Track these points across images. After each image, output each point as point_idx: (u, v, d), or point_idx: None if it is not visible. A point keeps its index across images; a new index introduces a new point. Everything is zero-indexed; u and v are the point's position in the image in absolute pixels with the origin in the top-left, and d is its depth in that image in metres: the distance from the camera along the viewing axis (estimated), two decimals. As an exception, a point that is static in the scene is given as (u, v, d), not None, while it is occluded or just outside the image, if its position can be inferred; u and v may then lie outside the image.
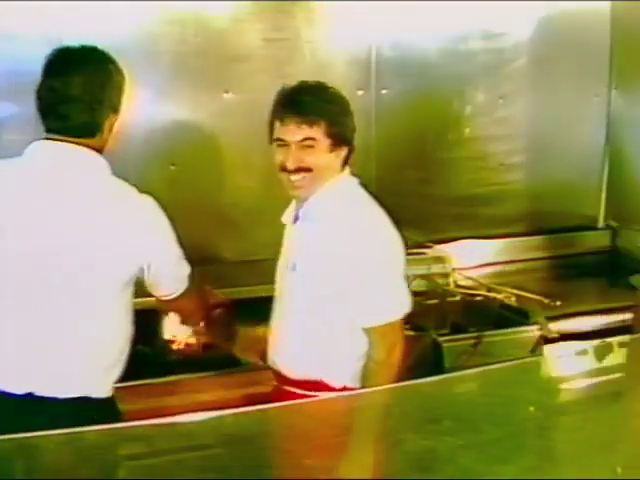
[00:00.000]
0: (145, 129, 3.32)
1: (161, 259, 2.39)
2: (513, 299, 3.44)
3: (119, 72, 2.38)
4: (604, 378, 2.28)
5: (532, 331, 3.29)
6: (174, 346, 3.13)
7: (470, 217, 4.01)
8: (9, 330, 2.30)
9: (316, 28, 3.58)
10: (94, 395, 2.32)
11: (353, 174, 2.55)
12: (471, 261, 3.84)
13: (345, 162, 2.52)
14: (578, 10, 4.06)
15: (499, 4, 3.89)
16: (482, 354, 3.13)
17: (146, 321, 2.88)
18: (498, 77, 3.98)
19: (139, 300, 2.54)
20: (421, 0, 3.73)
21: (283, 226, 2.64)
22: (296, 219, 2.55)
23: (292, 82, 2.52)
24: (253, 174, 3.55)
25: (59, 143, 2.30)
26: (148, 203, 2.35)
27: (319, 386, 2.47)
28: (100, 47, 2.37)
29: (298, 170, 2.44)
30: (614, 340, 2.56)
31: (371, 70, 3.71)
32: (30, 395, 2.27)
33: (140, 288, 2.44)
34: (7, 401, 2.27)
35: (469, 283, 3.61)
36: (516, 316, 3.38)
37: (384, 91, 3.75)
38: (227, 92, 3.49)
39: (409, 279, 2.68)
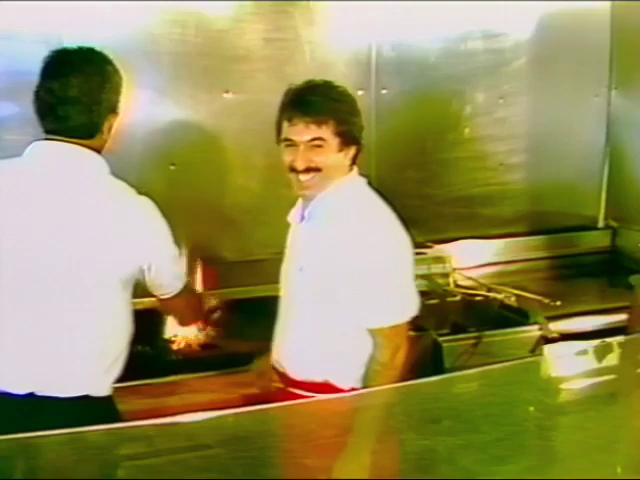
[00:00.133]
0: (145, 129, 3.32)
1: (161, 258, 2.40)
2: (513, 299, 3.44)
3: (117, 73, 2.38)
4: (604, 378, 2.28)
5: (532, 331, 3.29)
6: (174, 346, 3.14)
7: (470, 217, 4.01)
8: (9, 330, 2.31)
9: (316, 28, 3.58)
10: (94, 394, 2.33)
11: (361, 174, 2.55)
12: (471, 261, 3.84)
13: (353, 161, 2.51)
14: (578, 10, 4.06)
15: (499, 4, 3.89)
16: (482, 354, 3.13)
17: (146, 321, 2.88)
18: (498, 77, 3.98)
19: (139, 300, 2.54)
20: (421, 0, 3.73)
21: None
22: (302, 218, 2.54)
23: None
24: (253, 174, 3.55)
25: (59, 143, 2.30)
26: (146, 203, 2.36)
27: (326, 388, 2.45)
28: (98, 48, 2.37)
29: (307, 170, 2.43)
30: (614, 340, 2.56)
31: (371, 70, 3.71)
32: (31, 395, 2.27)
33: (140, 288, 2.45)
34: (9, 401, 2.28)
35: (469, 283, 3.61)
36: (516, 316, 3.38)
37: (384, 91, 3.75)
38: (227, 92, 3.49)
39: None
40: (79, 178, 2.31)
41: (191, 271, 2.94)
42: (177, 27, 3.36)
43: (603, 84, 4.19)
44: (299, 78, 2.53)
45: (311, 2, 3.55)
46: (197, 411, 1.96)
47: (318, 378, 2.48)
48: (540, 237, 4.14)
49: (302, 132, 2.41)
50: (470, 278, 3.64)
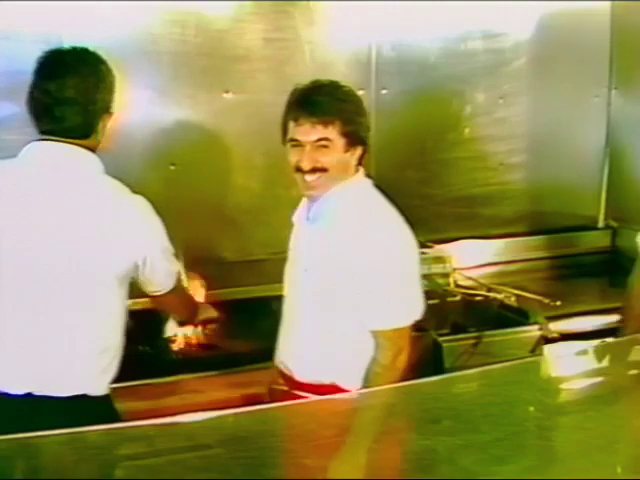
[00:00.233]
0: (145, 129, 3.33)
1: (154, 255, 2.40)
2: (513, 299, 3.44)
3: (110, 72, 2.38)
4: (604, 378, 2.28)
5: (532, 331, 3.29)
6: (174, 346, 3.13)
7: (470, 217, 4.01)
8: (6, 331, 2.31)
9: (316, 28, 3.58)
10: (92, 393, 2.33)
11: (368, 175, 2.54)
12: (471, 261, 3.84)
13: (360, 162, 2.49)
14: (578, 10, 4.06)
15: (499, 4, 3.89)
16: (482, 354, 3.13)
17: (146, 321, 2.88)
18: (498, 77, 3.98)
19: (139, 300, 2.55)
20: (421, 0, 3.73)
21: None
22: (307, 219, 2.53)
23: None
24: (253, 174, 3.56)
25: (55, 144, 2.31)
26: (140, 201, 2.37)
27: (332, 390, 2.43)
28: (91, 48, 2.37)
29: (313, 170, 2.42)
30: (614, 340, 2.56)
31: (371, 70, 3.71)
32: (29, 395, 2.28)
33: (139, 288, 2.45)
34: (7, 402, 2.28)
35: (469, 283, 3.61)
36: (516, 316, 3.38)
37: (384, 91, 3.75)
38: (227, 92, 3.49)
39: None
40: (76, 178, 2.32)
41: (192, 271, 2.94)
42: (177, 27, 3.36)
43: (603, 84, 4.19)
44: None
45: (311, 2, 3.55)
46: (197, 411, 1.96)
47: (325, 380, 2.46)
48: (540, 237, 4.14)
49: (308, 132, 2.40)
50: (470, 278, 3.64)
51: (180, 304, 2.68)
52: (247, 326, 3.21)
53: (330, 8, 3.58)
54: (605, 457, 1.83)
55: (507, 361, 2.60)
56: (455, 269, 3.61)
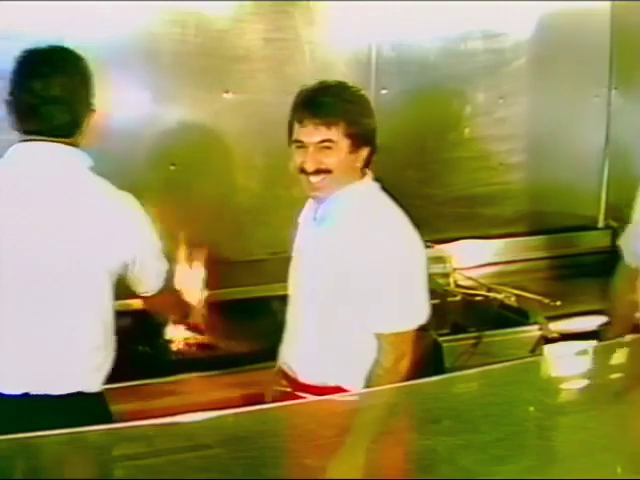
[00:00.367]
0: (145, 129, 3.32)
1: (144, 253, 2.40)
2: (513, 299, 3.44)
3: (89, 69, 2.37)
4: (604, 378, 2.28)
5: (532, 331, 3.29)
6: (174, 346, 3.14)
7: (470, 217, 4.01)
8: (2, 331, 2.31)
9: (316, 28, 3.58)
10: (87, 390, 2.33)
11: (376, 178, 2.52)
12: (471, 261, 3.84)
13: (367, 163, 2.48)
14: (578, 10, 4.06)
15: (499, 4, 3.89)
16: (482, 354, 3.13)
17: (146, 321, 2.89)
18: (498, 77, 3.98)
19: (139, 300, 2.55)
20: (421, 0, 3.73)
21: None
22: (314, 219, 2.51)
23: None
24: (253, 174, 3.55)
25: (43, 144, 2.30)
26: (129, 199, 2.37)
27: (336, 392, 2.40)
28: (70, 46, 2.37)
29: (317, 172, 2.41)
30: (614, 340, 2.56)
31: (371, 70, 3.71)
32: (26, 395, 2.28)
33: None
34: (4, 402, 2.28)
35: (469, 283, 3.61)
36: (516, 316, 3.38)
37: (384, 91, 3.74)
38: (227, 92, 3.48)
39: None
40: (65, 177, 2.32)
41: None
42: (177, 27, 3.36)
43: (603, 84, 4.19)
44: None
45: (311, 2, 3.55)
46: (197, 411, 1.96)
47: (330, 382, 2.45)
48: (540, 237, 4.14)
49: (312, 134, 2.39)
50: (470, 278, 3.64)
51: (168, 306, 2.67)
52: (247, 326, 3.20)
53: (330, 8, 3.58)
54: (605, 457, 1.83)
55: (507, 361, 2.59)
56: (455, 269, 3.61)
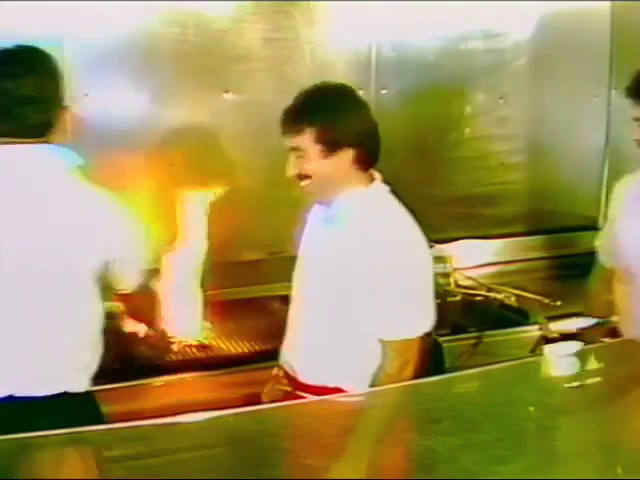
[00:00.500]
0: (145, 129, 3.32)
1: (125, 250, 2.38)
2: (513, 299, 3.44)
3: (58, 66, 2.35)
4: (604, 378, 2.28)
5: (532, 331, 3.28)
6: (174, 346, 3.13)
7: (470, 217, 4.01)
8: None
9: (316, 28, 3.57)
10: (72, 390, 2.31)
11: (385, 182, 2.51)
12: (471, 261, 3.84)
13: (364, 164, 2.44)
14: (578, 10, 4.06)
15: (499, 4, 3.89)
16: (482, 354, 3.13)
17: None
18: (498, 77, 3.97)
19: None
20: (421, 0, 3.73)
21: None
22: (323, 220, 2.50)
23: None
24: (253, 174, 3.55)
25: (15, 146, 2.27)
26: (108, 196, 2.35)
27: (336, 393, 2.39)
28: (37, 45, 2.34)
29: (299, 177, 2.42)
30: (614, 340, 2.56)
31: (371, 70, 3.71)
32: (11, 398, 2.25)
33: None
34: None
35: (469, 283, 3.61)
36: (516, 316, 3.38)
37: (384, 91, 3.74)
38: (227, 92, 3.48)
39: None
40: (42, 177, 2.29)
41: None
42: (177, 27, 3.35)
43: (603, 84, 4.19)
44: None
45: (311, 2, 3.55)
46: (197, 411, 1.96)
47: (330, 383, 2.43)
48: (540, 237, 4.14)
49: (287, 141, 2.40)
50: (470, 278, 3.64)
51: (146, 304, 2.64)
52: (247, 326, 3.21)
53: (330, 8, 3.58)
54: (605, 457, 1.83)
55: (507, 361, 2.59)
56: (455, 269, 3.61)
